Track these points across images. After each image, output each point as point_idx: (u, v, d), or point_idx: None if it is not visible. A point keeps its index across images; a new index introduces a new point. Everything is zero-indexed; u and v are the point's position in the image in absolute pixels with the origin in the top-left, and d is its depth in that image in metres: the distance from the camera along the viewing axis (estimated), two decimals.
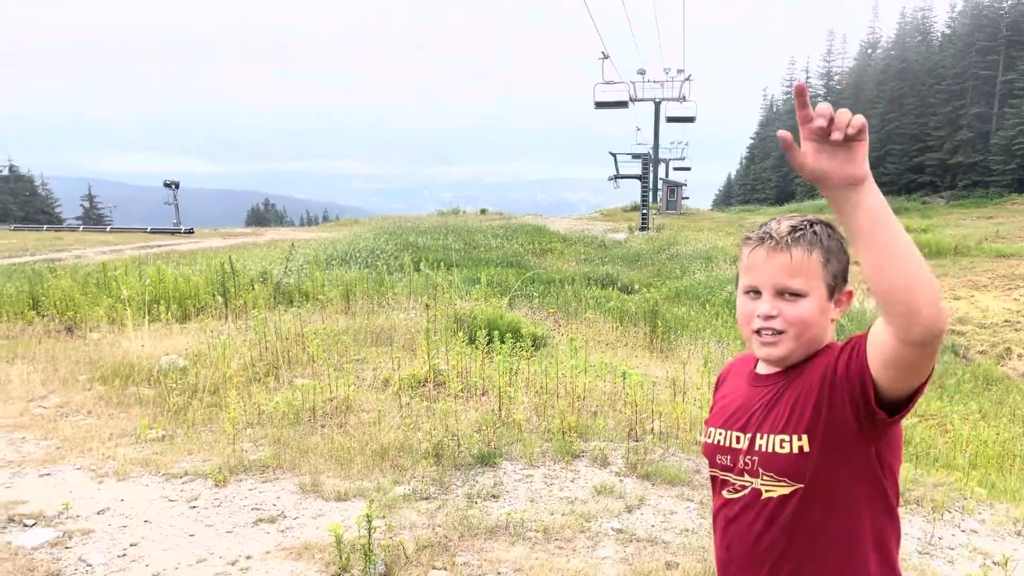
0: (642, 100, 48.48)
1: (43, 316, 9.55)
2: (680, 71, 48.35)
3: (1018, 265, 23.07)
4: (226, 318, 9.55)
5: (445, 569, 3.64)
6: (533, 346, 7.83)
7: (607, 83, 45.63)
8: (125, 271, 11.35)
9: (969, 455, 7.12)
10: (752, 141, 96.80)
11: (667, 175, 53.69)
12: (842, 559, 1.50)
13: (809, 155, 1.25)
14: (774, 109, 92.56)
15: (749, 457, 1.55)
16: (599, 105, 46.92)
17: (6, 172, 72.29)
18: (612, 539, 4.06)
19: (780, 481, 1.50)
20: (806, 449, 1.46)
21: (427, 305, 9.34)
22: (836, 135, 1.20)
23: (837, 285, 1.53)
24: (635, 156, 44.54)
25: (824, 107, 1.20)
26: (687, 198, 51.79)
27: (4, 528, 3.99)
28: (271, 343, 7.55)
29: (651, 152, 47.89)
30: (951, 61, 59.20)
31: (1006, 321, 17.88)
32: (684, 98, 47.97)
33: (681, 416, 6.00)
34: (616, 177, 47.40)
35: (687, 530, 4.23)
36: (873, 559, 1.52)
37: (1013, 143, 51.53)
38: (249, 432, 5.61)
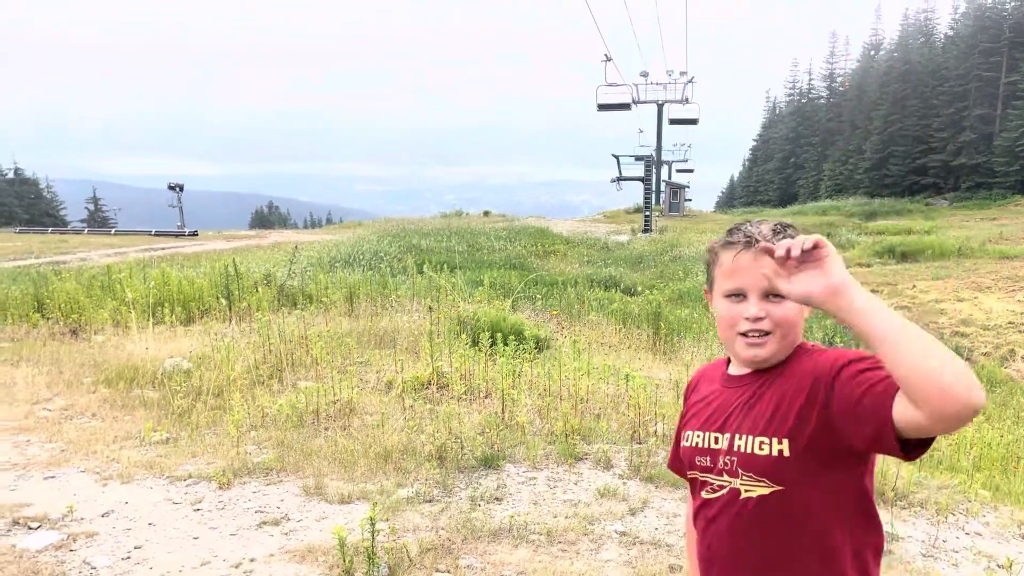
0: (645, 102, 48.52)
1: (48, 319, 9.58)
2: (683, 73, 48.39)
3: (1022, 267, 23.01)
4: (230, 321, 9.57)
5: (448, 572, 3.64)
6: (536, 348, 7.83)
7: (610, 85, 45.67)
8: (129, 274, 11.39)
9: (973, 457, 7.11)
10: (755, 143, 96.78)
11: (670, 177, 53.71)
12: (821, 563, 1.50)
13: (792, 283, 1.35)
14: (777, 111, 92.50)
15: (728, 457, 1.56)
16: (602, 107, 46.96)
17: (11, 175, 72.51)
18: (615, 542, 4.06)
19: (759, 482, 1.51)
20: (786, 453, 1.47)
21: (430, 307, 9.35)
22: (795, 255, 1.31)
23: None
24: (638, 158, 44.59)
25: (783, 243, 1.32)
26: (690, 200, 51.81)
27: (9, 531, 4.00)
28: (275, 346, 7.56)
29: (654, 154, 47.92)
30: (954, 63, 59.14)
31: (1010, 323, 17.84)
32: (687, 100, 48.00)
33: None
34: (619, 179, 47.45)
35: None
36: (851, 566, 1.52)
37: (1016, 145, 51.46)
38: (253, 435, 5.62)
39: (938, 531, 4.55)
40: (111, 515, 4.25)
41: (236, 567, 3.67)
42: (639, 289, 17.23)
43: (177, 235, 34.75)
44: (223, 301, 10.08)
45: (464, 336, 8.01)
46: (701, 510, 1.65)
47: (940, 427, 1.23)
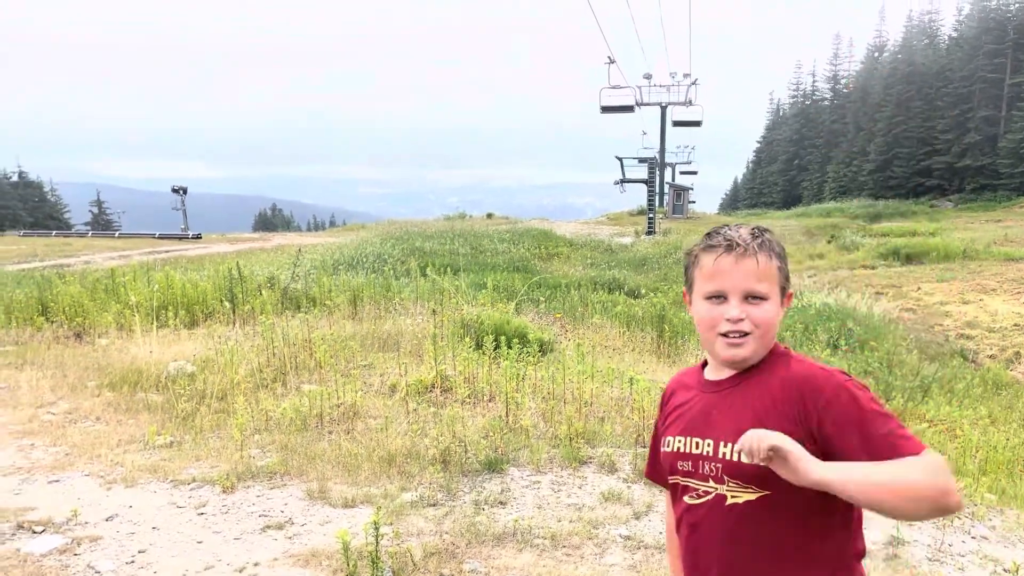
0: (648, 104, 48.58)
1: (52, 322, 9.59)
2: (686, 75, 48.43)
3: None
4: (234, 324, 9.57)
5: None
6: (540, 351, 7.82)
7: (613, 87, 45.73)
8: (133, 277, 11.40)
9: (979, 461, 7.08)
10: (759, 145, 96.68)
11: (673, 179, 53.70)
12: (808, 567, 1.52)
13: (777, 471, 1.42)
14: (781, 113, 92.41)
15: (713, 464, 1.57)
16: (605, 109, 47.01)
17: (15, 178, 72.70)
18: (620, 546, 4.04)
19: (747, 488, 1.52)
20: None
21: (434, 310, 9.33)
22: (756, 461, 1.39)
23: (785, 287, 1.61)
24: (641, 160, 44.59)
25: (743, 444, 1.39)
26: (693, 202, 51.77)
27: (13, 535, 4.00)
28: (278, 349, 7.56)
29: (657, 156, 47.94)
30: (958, 64, 59.03)
31: (1015, 325, 17.77)
32: (690, 102, 48.04)
33: None
34: (622, 181, 47.44)
35: None
36: (838, 569, 1.54)
37: (1021, 146, 51.34)
38: (257, 438, 5.62)
39: (944, 535, 4.53)
40: (115, 519, 4.25)
41: (240, 571, 3.67)
42: (643, 292, 17.20)
43: (181, 238, 34.82)
44: (227, 304, 10.09)
45: (468, 339, 7.99)
46: (684, 516, 1.65)
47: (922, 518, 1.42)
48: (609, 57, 43.67)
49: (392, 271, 16.74)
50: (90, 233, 44.35)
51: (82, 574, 3.60)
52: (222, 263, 14.74)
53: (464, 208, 52.85)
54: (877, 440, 1.42)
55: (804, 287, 21.31)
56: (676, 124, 50.51)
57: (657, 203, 41.02)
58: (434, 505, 4.48)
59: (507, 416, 5.90)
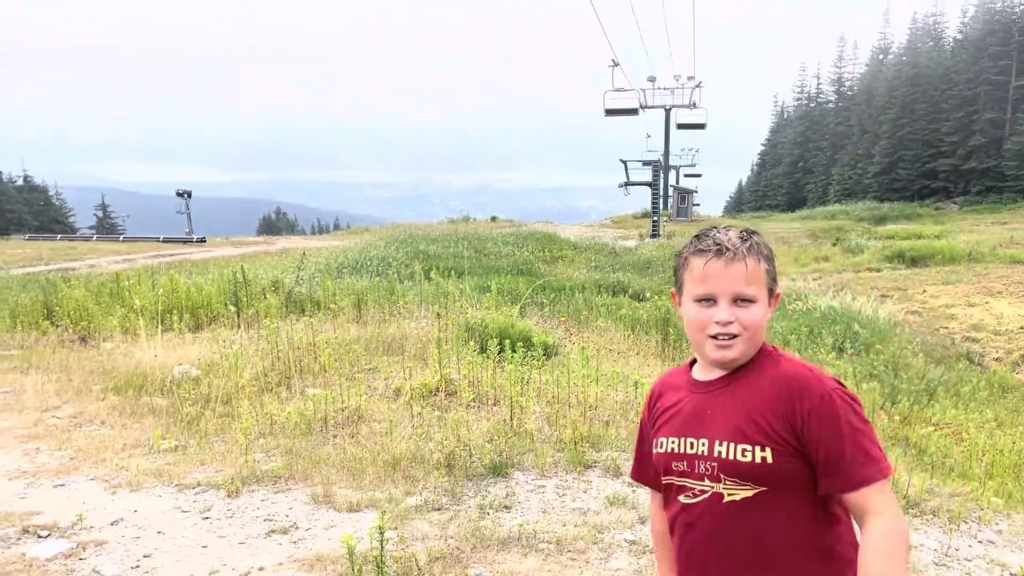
0: (652, 107, 48.59)
1: (57, 326, 9.61)
2: (690, 78, 48.45)
3: None
4: (238, 327, 9.59)
5: None
6: (544, 355, 7.81)
7: (617, 90, 45.75)
8: (138, 280, 11.42)
9: (985, 464, 7.04)
10: (763, 147, 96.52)
11: (678, 182, 53.73)
12: (807, 559, 1.54)
13: None
14: (785, 115, 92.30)
15: (709, 463, 1.59)
16: (609, 112, 47.02)
17: (20, 182, 72.92)
18: (625, 551, 4.03)
19: (744, 485, 1.55)
20: (769, 460, 1.52)
21: (438, 314, 9.33)
22: None
23: (772, 289, 1.64)
24: (645, 163, 44.58)
25: None
26: (698, 205, 51.75)
27: (18, 539, 4.01)
28: (283, 353, 7.57)
29: (661, 159, 47.94)
30: (963, 66, 58.86)
31: (1021, 328, 17.69)
32: (694, 105, 48.05)
33: None
34: (626, 184, 47.42)
35: None
36: (836, 559, 1.56)
37: None
38: (261, 442, 5.62)
39: (950, 539, 4.51)
40: (120, 523, 4.25)
41: None
42: (647, 295, 17.17)
43: (185, 241, 34.88)
44: (231, 308, 10.10)
45: (472, 343, 7.99)
46: (680, 516, 1.66)
47: None
48: (613, 60, 43.71)
49: (396, 274, 16.75)
50: (95, 237, 44.46)
51: None
52: (226, 267, 14.75)
53: (468, 211, 52.89)
54: (847, 460, 1.50)
55: (809, 290, 21.24)
56: (680, 127, 50.51)
57: (661, 206, 41.04)
58: (439, 509, 4.47)
59: (512, 420, 5.89)
